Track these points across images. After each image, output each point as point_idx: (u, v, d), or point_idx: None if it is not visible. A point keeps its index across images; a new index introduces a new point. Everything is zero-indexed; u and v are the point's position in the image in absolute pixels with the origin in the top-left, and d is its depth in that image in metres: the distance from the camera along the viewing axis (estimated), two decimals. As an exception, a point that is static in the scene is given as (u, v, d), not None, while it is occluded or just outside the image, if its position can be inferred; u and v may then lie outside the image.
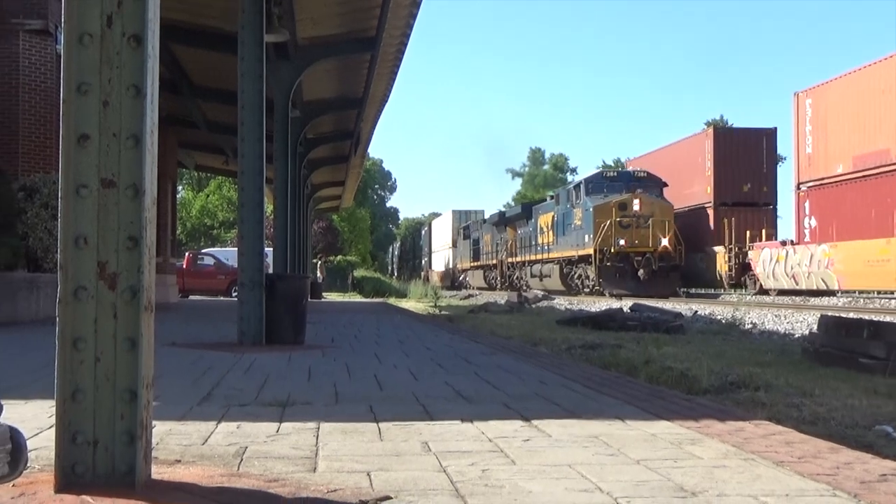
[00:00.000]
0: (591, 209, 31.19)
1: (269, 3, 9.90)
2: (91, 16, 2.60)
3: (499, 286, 43.58)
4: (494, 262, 47.36)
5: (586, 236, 31.51)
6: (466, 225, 56.95)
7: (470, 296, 40.04)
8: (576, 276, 33.39)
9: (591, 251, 30.77)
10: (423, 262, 74.15)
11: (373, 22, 13.42)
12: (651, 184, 32.49)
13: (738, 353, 9.42)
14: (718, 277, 33.21)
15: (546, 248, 36.82)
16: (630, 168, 39.35)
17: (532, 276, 38.77)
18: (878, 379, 6.95)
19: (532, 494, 2.57)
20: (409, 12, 13.20)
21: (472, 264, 53.06)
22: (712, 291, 32.85)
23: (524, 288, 36.87)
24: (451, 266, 61.39)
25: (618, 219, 30.16)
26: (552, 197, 39.51)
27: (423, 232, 78.86)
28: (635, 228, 30.22)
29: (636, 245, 30.08)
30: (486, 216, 54.40)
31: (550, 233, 36.30)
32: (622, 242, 30.02)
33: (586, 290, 32.10)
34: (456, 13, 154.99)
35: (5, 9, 15.74)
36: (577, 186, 34.00)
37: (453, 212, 63.65)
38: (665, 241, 30.07)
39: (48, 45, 16.00)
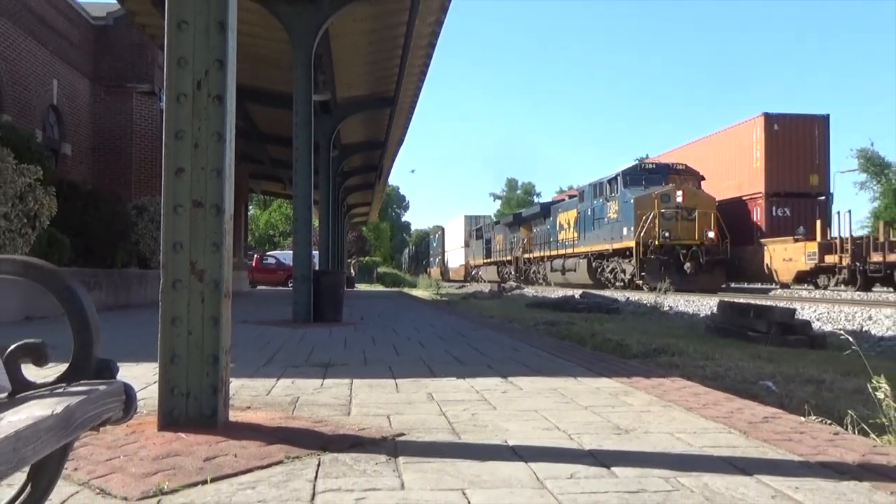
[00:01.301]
0: (631, 201, 22.82)
1: (316, 73, 9.91)
2: (185, 81, 2.61)
3: (513, 280, 35.75)
4: (508, 258, 38.64)
5: (624, 229, 23.26)
6: (479, 227, 48.87)
7: (463, 286, 39.64)
8: (608, 269, 24.97)
9: (630, 244, 22.59)
10: (438, 259, 65.69)
11: (392, 86, 13.42)
12: (690, 176, 24.10)
13: (658, 328, 9.42)
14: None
15: (569, 243, 28.48)
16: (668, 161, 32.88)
17: (552, 270, 30.27)
18: (761, 347, 6.97)
19: (508, 432, 2.56)
20: (418, 79, 13.23)
21: (484, 261, 45.19)
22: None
23: (541, 282, 31.69)
24: (461, 263, 54.36)
25: (661, 211, 22.10)
26: (571, 196, 31.69)
27: (436, 235, 69.91)
28: (679, 220, 22.18)
29: (681, 238, 22.07)
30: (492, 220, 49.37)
31: (573, 229, 28.08)
32: (667, 235, 22.05)
33: (619, 283, 23.89)
34: (451, 57, 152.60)
35: (123, 76, 15.98)
36: (613, 180, 24.76)
37: (465, 217, 53.85)
38: (711, 234, 22.28)
39: (153, 103, 16.15)
